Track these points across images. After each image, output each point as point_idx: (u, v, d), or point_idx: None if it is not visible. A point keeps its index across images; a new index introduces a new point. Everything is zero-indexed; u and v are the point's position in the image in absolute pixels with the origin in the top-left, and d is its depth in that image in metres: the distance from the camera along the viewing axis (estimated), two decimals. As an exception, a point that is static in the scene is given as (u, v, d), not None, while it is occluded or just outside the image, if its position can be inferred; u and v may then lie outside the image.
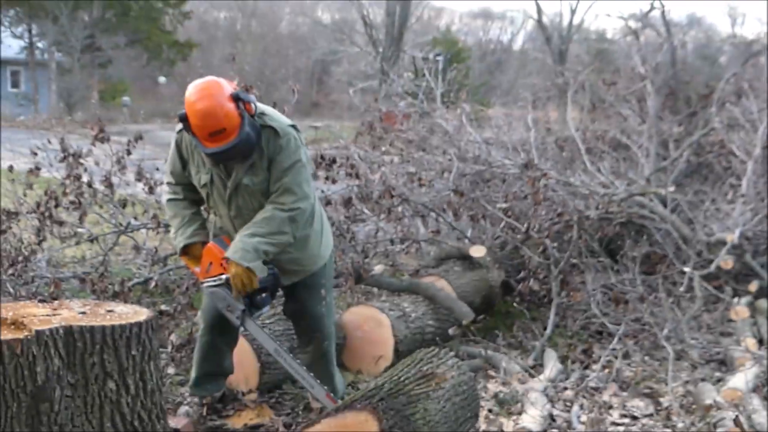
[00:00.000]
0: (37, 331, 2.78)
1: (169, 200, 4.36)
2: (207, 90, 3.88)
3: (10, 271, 6.33)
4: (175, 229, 4.33)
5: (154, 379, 3.11)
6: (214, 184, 4.16)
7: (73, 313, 3.05)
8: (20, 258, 6.47)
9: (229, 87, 3.94)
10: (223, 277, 4.11)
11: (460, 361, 4.35)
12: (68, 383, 2.85)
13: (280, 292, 4.40)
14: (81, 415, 2.88)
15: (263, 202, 4.13)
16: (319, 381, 4.26)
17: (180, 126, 4.10)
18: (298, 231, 4.13)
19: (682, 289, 6.27)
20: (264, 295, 4.15)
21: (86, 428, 2.89)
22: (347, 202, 6.91)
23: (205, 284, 4.22)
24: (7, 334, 2.79)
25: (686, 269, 6.32)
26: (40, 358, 2.77)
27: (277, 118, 4.14)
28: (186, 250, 4.30)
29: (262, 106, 4.13)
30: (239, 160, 4.01)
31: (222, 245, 4.19)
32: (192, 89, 3.92)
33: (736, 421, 4.19)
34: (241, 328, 4.27)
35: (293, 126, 4.16)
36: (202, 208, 4.51)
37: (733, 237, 6.54)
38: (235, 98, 3.89)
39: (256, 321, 4.24)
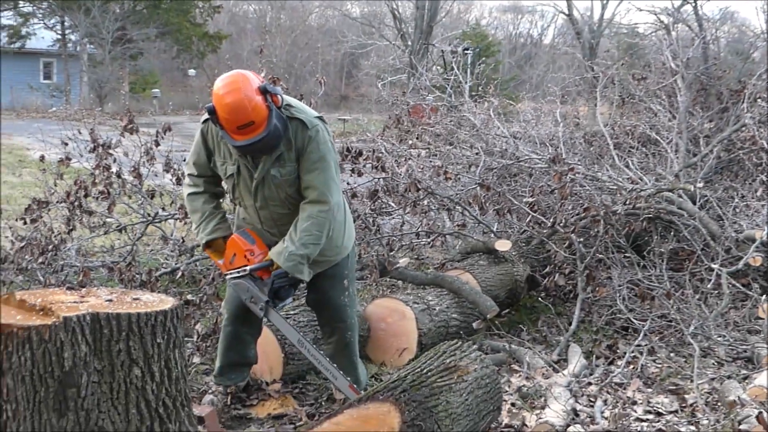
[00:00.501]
0: (65, 318, 2.81)
1: (190, 194, 4.40)
2: (235, 83, 3.92)
3: (40, 260, 6.42)
4: (197, 223, 4.38)
5: (179, 366, 3.13)
6: (241, 175, 4.19)
7: (100, 300, 3.08)
8: (50, 247, 6.57)
9: (256, 80, 3.97)
10: (247, 268, 4.15)
11: (483, 355, 4.36)
12: (95, 369, 2.88)
13: (303, 283, 4.43)
14: (107, 401, 2.91)
15: (289, 193, 4.16)
16: (342, 372, 4.28)
17: (206, 116, 4.14)
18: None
19: (709, 286, 6.21)
20: (287, 287, 4.19)
21: (112, 414, 2.92)
22: (373, 195, 6.91)
23: (229, 276, 4.26)
24: (36, 320, 2.83)
25: (714, 266, 6.26)
26: (67, 344, 2.81)
27: (304, 109, 4.17)
28: (208, 244, 4.37)
29: (288, 99, 4.16)
30: (267, 151, 4.04)
31: (246, 237, 4.24)
32: (220, 83, 3.95)
33: (759, 418, 4.16)
34: (265, 320, 4.30)
35: (320, 117, 4.19)
36: (224, 200, 4.55)
37: (762, 234, 6.46)
38: (263, 91, 3.92)
39: (279, 312, 4.28)
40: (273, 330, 4.83)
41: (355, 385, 4.29)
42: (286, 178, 4.13)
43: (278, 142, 4.03)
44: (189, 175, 4.42)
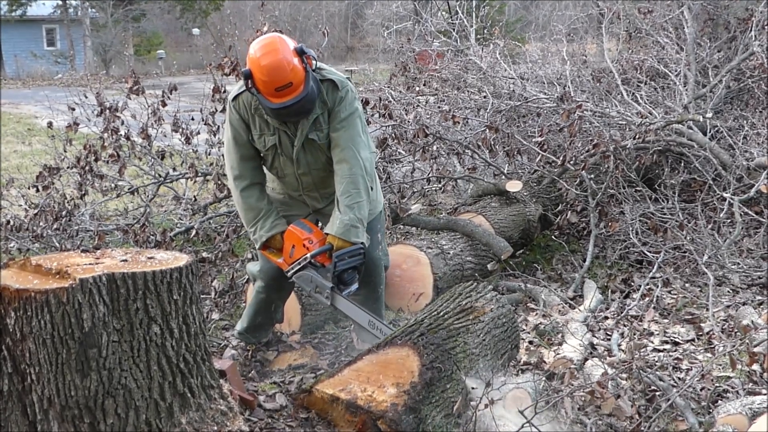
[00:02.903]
0: (81, 280, 2.84)
1: (241, 190, 4.27)
2: (272, 45, 3.92)
3: (55, 226, 6.47)
4: (251, 223, 4.28)
5: (197, 322, 3.17)
6: (282, 144, 4.18)
7: (115, 261, 3.11)
8: (64, 212, 6.61)
9: (291, 42, 3.98)
10: (308, 255, 4.10)
11: (499, 295, 4.39)
12: (114, 329, 2.92)
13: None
14: (128, 359, 2.96)
15: (329, 155, 4.18)
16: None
17: (235, 93, 4.13)
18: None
19: (721, 215, 6.21)
20: (351, 270, 4.15)
21: (134, 371, 2.97)
22: (382, 143, 6.91)
23: (290, 271, 4.20)
24: (53, 284, 2.86)
25: (726, 195, 6.25)
26: (85, 306, 2.84)
27: (334, 71, 4.21)
28: (266, 244, 4.30)
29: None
30: (303, 114, 4.05)
31: (302, 227, 4.20)
32: (256, 46, 3.96)
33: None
34: (331, 306, 4.26)
35: (348, 78, 4.22)
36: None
37: (773, 161, 6.44)
38: (299, 52, 3.95)
39: (346, 297, 4.21)
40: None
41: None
42: (324, 141, 4.16)
43: (313, 105, 4.04)
44: (238, 160, 4.26)
